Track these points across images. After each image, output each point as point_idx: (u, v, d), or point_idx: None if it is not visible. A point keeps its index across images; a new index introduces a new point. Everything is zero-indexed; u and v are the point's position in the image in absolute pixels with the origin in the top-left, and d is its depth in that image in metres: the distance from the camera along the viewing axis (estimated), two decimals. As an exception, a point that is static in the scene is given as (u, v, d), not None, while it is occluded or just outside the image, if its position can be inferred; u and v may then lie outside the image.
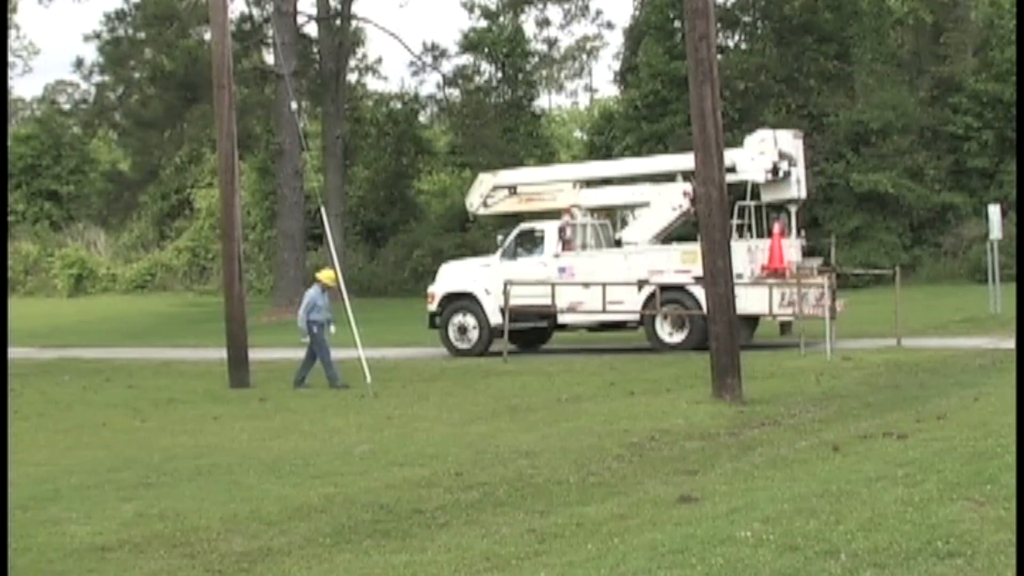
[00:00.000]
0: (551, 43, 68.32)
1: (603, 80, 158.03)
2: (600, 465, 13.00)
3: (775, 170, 25.76)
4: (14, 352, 30.50)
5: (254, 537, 10.32)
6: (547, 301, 26.52)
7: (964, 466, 10.96)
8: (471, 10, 60.22)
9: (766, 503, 10.05)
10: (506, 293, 25.68)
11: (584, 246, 27.52)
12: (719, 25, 49.15)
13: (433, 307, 27.87)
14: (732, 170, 25.05)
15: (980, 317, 29.53)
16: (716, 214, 18.28)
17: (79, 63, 48.15)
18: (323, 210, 29.73)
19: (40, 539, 10.41)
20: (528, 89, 60.40)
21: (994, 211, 31.78)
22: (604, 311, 26.37)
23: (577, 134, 73.86)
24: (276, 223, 48.90)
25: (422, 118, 60.13)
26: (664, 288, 25.58)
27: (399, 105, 57.98)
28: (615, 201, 27.90)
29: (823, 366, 21.72)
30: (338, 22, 51.19)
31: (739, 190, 26.11)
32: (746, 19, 54.98)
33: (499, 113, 56.05)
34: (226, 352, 24.03)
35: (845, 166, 47.02)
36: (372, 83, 61.10)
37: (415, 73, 57.63)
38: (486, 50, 58.30)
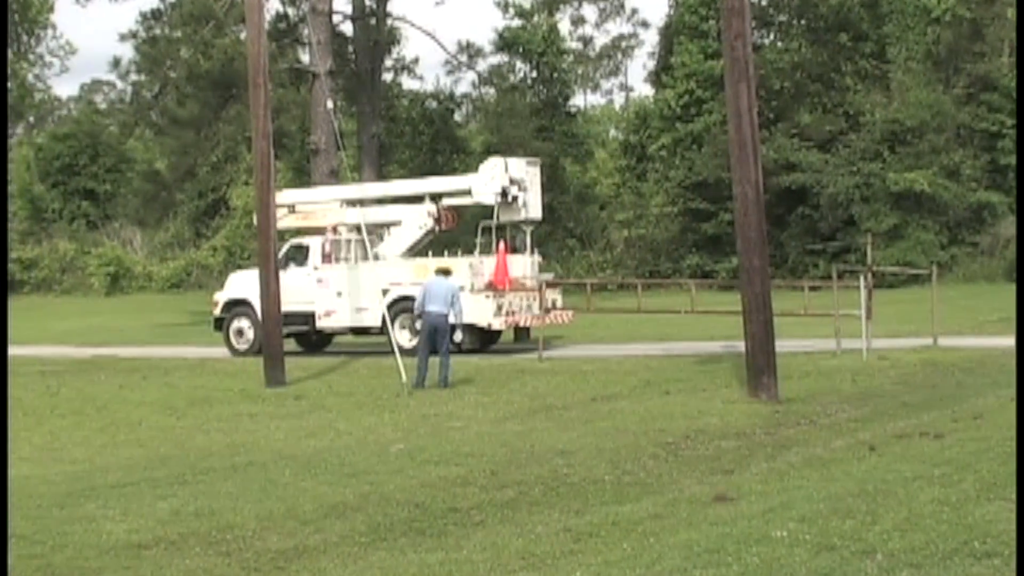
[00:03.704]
0: (586, 41, 68.46)
1: (638, 79, 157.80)
2: (635, 464, 12.97)
3: (504, 194, 27.68)
4: (51, 351, 30.76)
5: (290, 535, 10.35)
6: (310, 308, 28.57)
7: (1001, 466, 10.89)
8: (505, 9, 60.32)
9: (802, 502, 10.01)
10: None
11: (347, 260, 29.17)
12: (754, 24, 49.02)
13: (217, 312, 30.03)
14: (468, 193, 28.15)
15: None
16: (752, 213, 18.21)
17: (116, 63, 48.53)
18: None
19: (76, 536, 10.47)
20: (563, 88, 60.38)
21: (1031, 210, 31.58)
22: (352, 317, 28.53)
23: (612, 133, 73.82)
24: (311, 222, 48.98)
25: (457, 117, 60.21)
26: (401, 298, 27.27)
27: (434, 104, 58.02)
28: (373, 219, 29.68)
29: (859, 365, 21.61)
30: (373, 21, 51.20)
31: (485, 211, 28.55)
32: (781, 18, 54.88)
33: (534, 112, 56.04)
34: (262, 350, 24.10)
35: (881, 165, 46.79)
36: (407, 82, 61.03)
37: (450, 72, 57.86)
38: (521, 49, 58.37)
